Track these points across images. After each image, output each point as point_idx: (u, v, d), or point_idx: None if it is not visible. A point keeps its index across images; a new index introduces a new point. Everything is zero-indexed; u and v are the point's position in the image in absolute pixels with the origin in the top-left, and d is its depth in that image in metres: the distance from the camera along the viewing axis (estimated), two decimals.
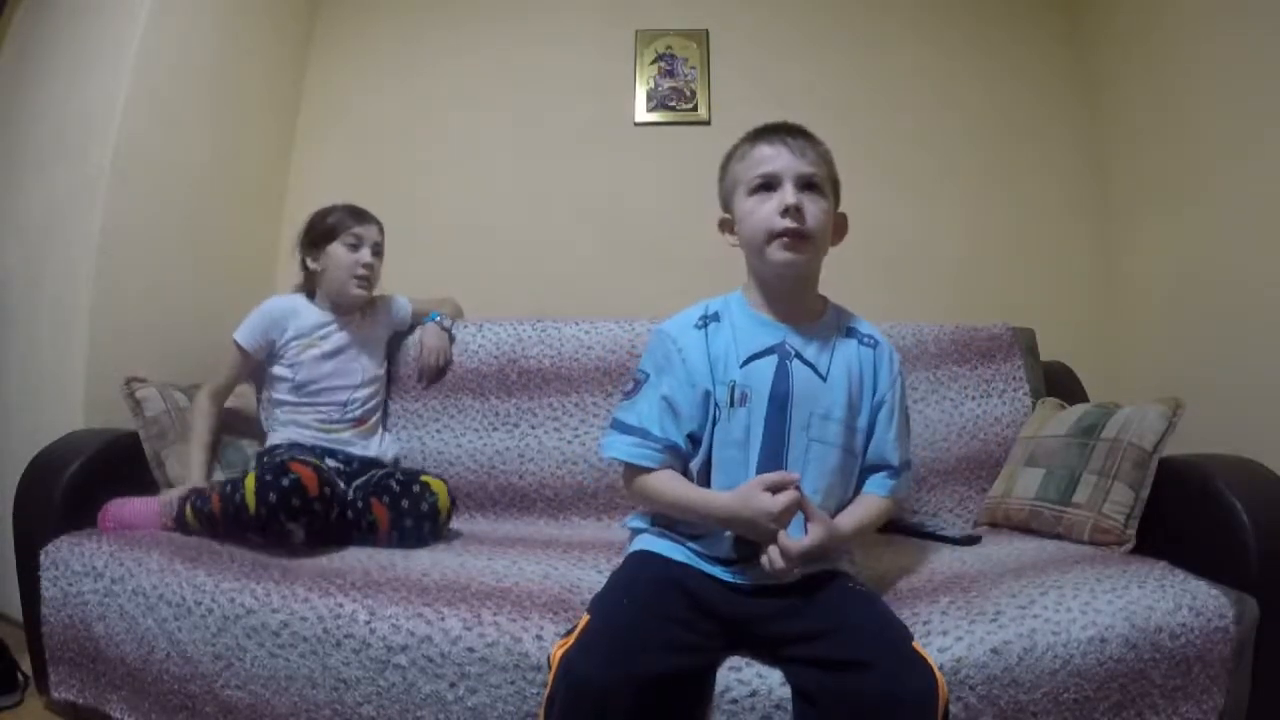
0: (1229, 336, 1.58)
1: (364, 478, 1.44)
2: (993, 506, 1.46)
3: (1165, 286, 1.82)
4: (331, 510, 1.21)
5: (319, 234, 1.55)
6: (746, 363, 1.00)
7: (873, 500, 1.03)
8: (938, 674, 0.78)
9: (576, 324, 1.73)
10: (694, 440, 1.01)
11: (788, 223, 0.97)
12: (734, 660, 0.87)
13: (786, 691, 0.84)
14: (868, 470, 1.04)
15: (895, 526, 1.47)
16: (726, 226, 1.08)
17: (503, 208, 2.14)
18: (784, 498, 0.89)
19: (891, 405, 1.04)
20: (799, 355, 1.01)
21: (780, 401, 0.98)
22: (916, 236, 2.07)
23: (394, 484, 1.35)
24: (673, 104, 2.15)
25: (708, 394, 1.00)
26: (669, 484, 0.99)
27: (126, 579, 1.13)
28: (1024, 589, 1.00)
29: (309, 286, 1.59)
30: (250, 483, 1.18)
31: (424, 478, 1.37)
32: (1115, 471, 1.24)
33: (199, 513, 1.26)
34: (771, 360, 1.00)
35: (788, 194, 0.98)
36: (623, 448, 1.01)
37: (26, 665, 1.29)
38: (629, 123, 2.16)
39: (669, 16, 2.20)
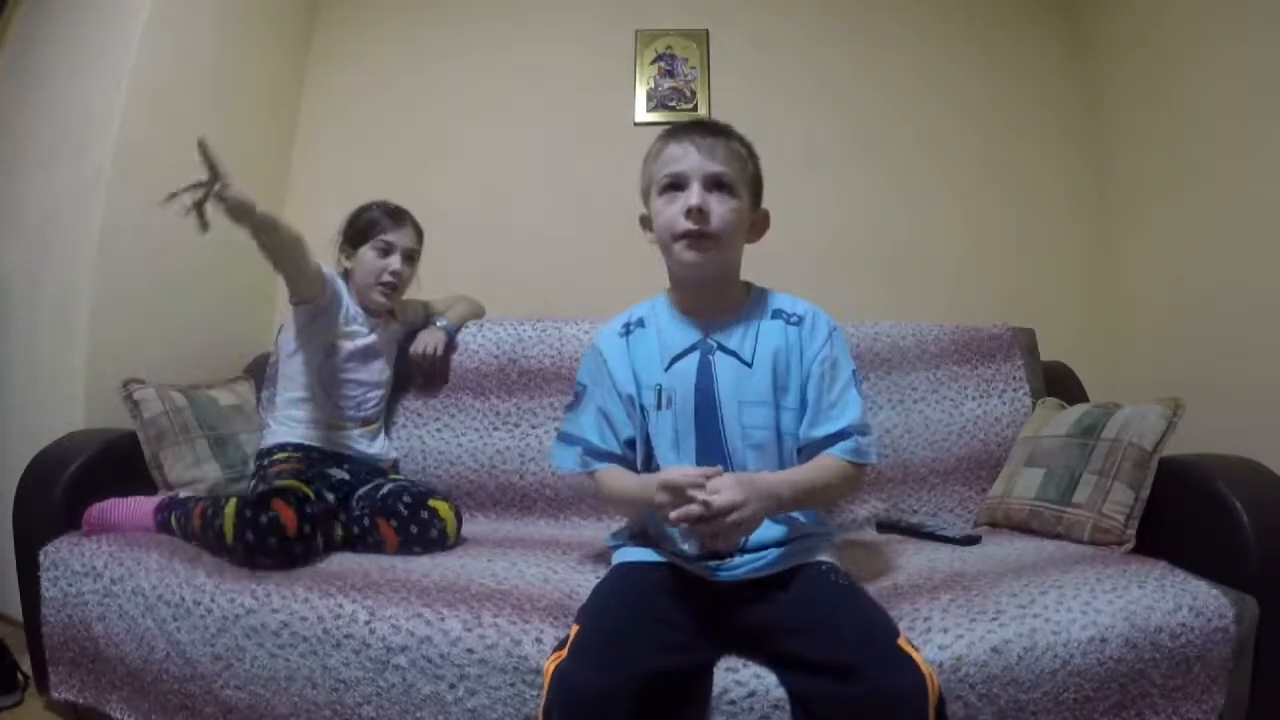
0: (1229, 336, 1.58)
1: (368, 487, 1.42)
2: (993, 506, 1.46)
3: (1165, 286, 1.82)
4: (314, 544, 1.19)
5: (354, 233, 1.53)
6: (670, 365, 1.03)
7: (822, 460, 0.99)
8: (925, 671, 0.77)
9: (577, 324, 1.73)
10: (634, 445, 1.06)
11: (690, 224, 0.97)
12: (731, 661, 0.87)
13: (784, 692, 0.84)
14: (822, 443, 1.01)
15: (895, 526, 1.47)
16: (646, 224, 1.08)
17: (503, 207, 2.14)
18: (664, 497, 0.87)
19: (823, 372, 1.02)
20: (721, 346, 1.02)
21: (706, 397, 1.00)
22: (916, 236, 2.07)
23: (402, 507, 1.31)
24: (673, 104, 2.15)
25: (632, 399, 1.04)
26: (613, 479, 1.04)
27: (126, 579, 1.13)
28: (1024, 589, 1.00)
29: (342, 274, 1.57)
30: (230, 511, 1.15)
31: (432, 502, 1.32)
32: (1115, 471, 1.24)
33: (181, 527, 1.26)
34: (693, 358, 1.02)
35: (692, 195, 0.97)
36: (569, 459, 1.08)
37: (26, 665, 1.29)
38: (629, 123, 2.16)
39: (669, 16, 2.20)
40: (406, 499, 1.32)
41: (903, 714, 0.75)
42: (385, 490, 1.37)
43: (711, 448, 0.99)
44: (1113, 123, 2.00)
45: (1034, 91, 2.12)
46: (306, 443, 1.46)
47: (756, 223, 1.06)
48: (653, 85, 2.17)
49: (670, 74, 2.17)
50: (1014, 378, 1.65)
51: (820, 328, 1.05)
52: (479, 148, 2.18)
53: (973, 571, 1.11)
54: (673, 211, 0.99)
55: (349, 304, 1.51)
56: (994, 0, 2.17)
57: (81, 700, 1.17)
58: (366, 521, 1.31)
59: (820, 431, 1.01)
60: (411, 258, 1.55)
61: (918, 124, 2.12)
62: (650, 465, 1.04)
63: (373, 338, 1.54)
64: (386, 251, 1.51)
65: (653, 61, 2.18)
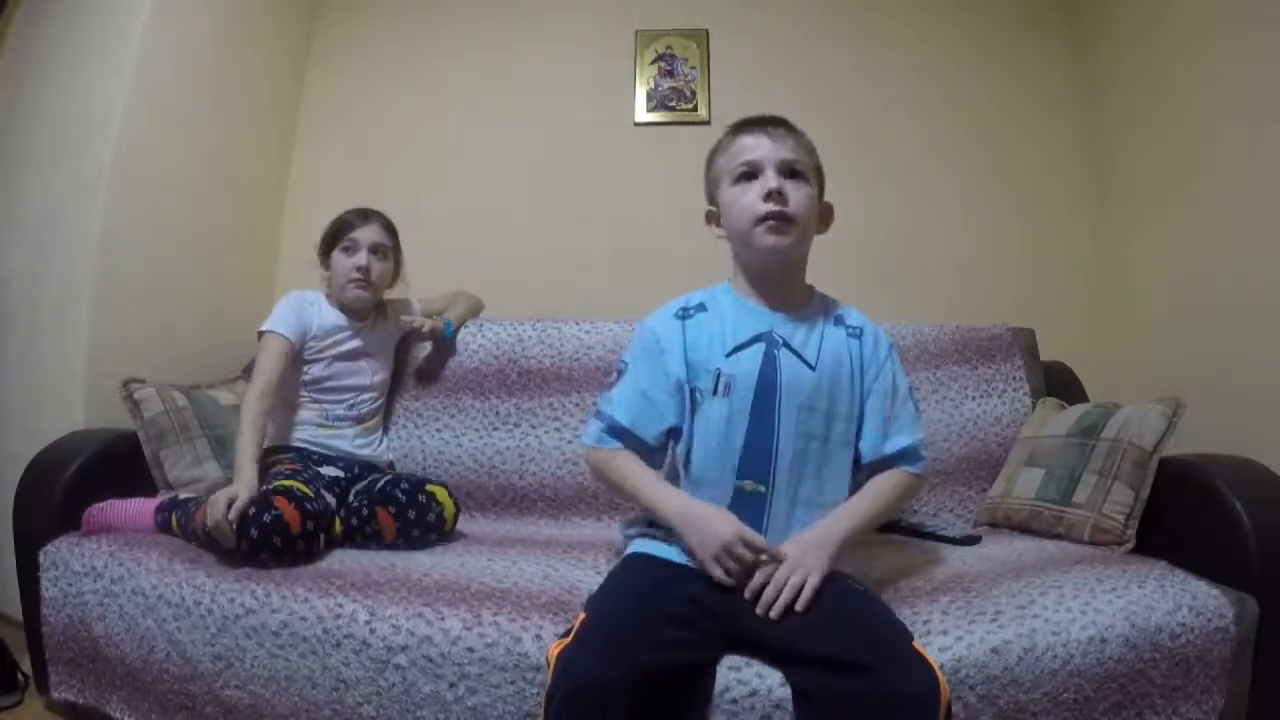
0: (1229, 336, 1.58)
1: (365, 482, 1.43)
2: (993, 506, 1.46)
3: (1165, 286, 1.82)
4: (316, 542, 1.19)
5: (325, 241, 1.56)
6: (733, 352, 1.01)
7: (882, 484, 1.02)
8: (939, 674, 0.77)
9: (576, 324, 1.73)
10: (675, 432, 1.04)
11: (771, 206, 0.99)
12: (734, 660, 0.87)
13: (786, 692, 0.84)
14: (880, 465, 1.03)
15: (895, 526, 1.47)
16: (713, 219, 1.10)
17: (503, 208, 2.14)
18: (740, 549, 0.89)
19: (883, 391, 1.04)
20: (786, 344, 1.01)
21: (767, 392, 0.99)
22: (917, 236, 2.07)
23: (399, 494, 1.32)
24: (673, 104, 2.15)
25: (681, 384, 1.02)
26: (627, 466, 1.02)
27: (126, 579, 1.13)
28: (1024, 589, 1.00)
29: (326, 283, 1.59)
30: None
31: (429, 487, 1.34)
32: (1115, 471, 1.24)
33: (183, 528, 1.26)
34: (759, 349, 1.01)
35: (770, 179, 1.00)
36: (591, 433, 1.05)
37: (26, 665, 1.29)
38: (629, 123, 2.17)
39: (669, 16, 2.20)
40: (404, 485, 1.34)
41: (911, 712, 0.74)
42: (383, 481, 1.39)
43: (761, 444, 0.98)
44: (1113, 123, 2.00)
45: (1034, 91, 2.12)
46: (301, 444, 1.47)
47: (823, 214, 1.08)
48: (653, 85, 2.17)
49: (670, 74, 2.17)
50: (1014, 378, 1.65)
51: (881, 344, 1.07)
52: (479, 148, 2.18)
53: (973, 572, 1.12)
54: (750, 198, 1.01)
55: (323, 319, 1.52)
56: (994, 0, 2.17)
57: (81, 700, 1.17)
58: (365, 511, 1.31)
59: (890, 448, 1.02)
60: (380, 252, 1.55)
61: (918, 124, 2.12)
62: (688, 459, 1.02)
63: (357, 341, 1.55)
64: (352, 249, 1.52)
65: (653, 61, 2.18)
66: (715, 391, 1.00)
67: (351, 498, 1.39)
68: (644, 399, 1.03)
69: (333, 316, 1.54)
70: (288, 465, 1.38)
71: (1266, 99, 1.48)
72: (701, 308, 1.07)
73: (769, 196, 0.99)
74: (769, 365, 1.00)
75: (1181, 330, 1.74)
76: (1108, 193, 2.03)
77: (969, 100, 2.13)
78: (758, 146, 1.02)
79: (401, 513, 1.30)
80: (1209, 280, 1.66)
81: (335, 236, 1.54)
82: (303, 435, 1.48)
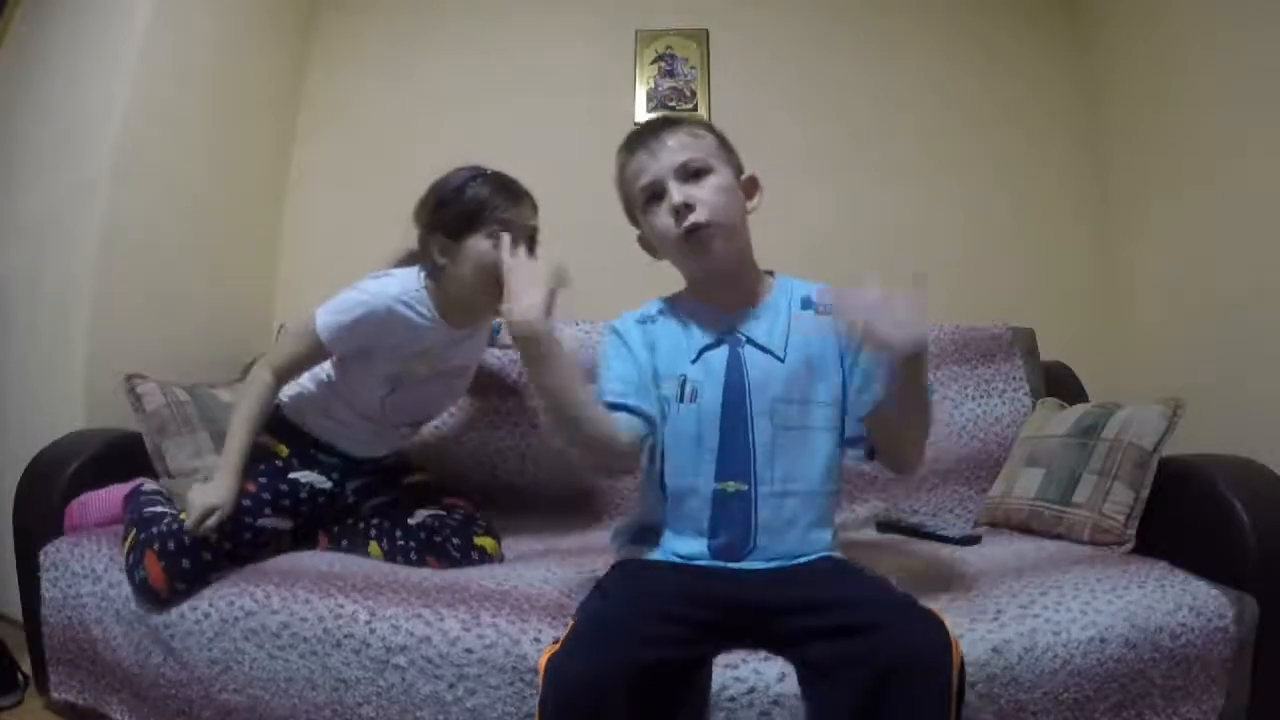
0: (1229, 336, 1.58)
1: (381, 500, 1.34)
2: (993, 506, 1.46)
3: (1165, 286, 1.81)
4: (193, 591, 1.08)
5: (456, 216, 1.19)
6: (698, 357, 0.98)
7: None
8: (951, 632, 0.75)
9: (576, 324, 1.73)
10: (647, 418, 0.96)
11: (684, 223, 0.95)
12: (730, 658, 0.87)
13: (783, 688, 0.83)
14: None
15: (895, 526, 1.47)
16: (646, 245, 1.06)
17: None
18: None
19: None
20: (750, 340, 0.98)
21: (736, 393, 0.95)
22: (916, 235, 2.07)
23: (452, 549, 1.21)
24: (673, 104, 2.15)
25: (653, 380, 0.98)
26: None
27: (124, 583, 1.13)
28: (1024, 589, 1.00)
29: (426, 267, 1.23)
30: (125, 548, 1.14)
31: (478, 541, 1.22)
32: (1115, 471, 1.24)
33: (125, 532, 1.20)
34: (723, 351, 0.98)
35: (673, 193, 0.95)
36: None
37: (26, 665, 1.29)
38: (629, 123, 2.16)
39: (669, 16, 2.20)
40: (455, 541, 1.22)
41: (924, 671, 0.72)
42: (422, 520, 1.27)
43: (736, 444, 0.94)
44: (1113, 122, 2.00)
45: (1034, 91, 2.12)
46: (312, 431, 1.32)
47: (747, 188, 1.02)
48: (653, 85, 2.17)
49: (670, 74, 2.17)
50: (1014, 378, 1.65)
51: None
52: (479, 148, 2.15)
53: (973, 572, 1.12)
54: (663, 219, 0.97)
55: (415, 320, 1.20)
56: (995, 0, 2.17)
57: (81, 701, 1.17)
58: (414, 555, 1.22)
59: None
60: (534, 242, 1.22)
61: (918, 123, 2.12)
62: (662, 471, 0.98)
63: (461, 356, 1.30)
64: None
65: (653, 61, 2.18)
66: (682, 399, 0.96)
67: (369, 514, 1.31)
68: (628, 377, 0.97)
69: (434, 331, 1.22)
70: (262, 467, 1.24)
71: (1266, 99, 1.48)
72: (663, 313, 1.04)
73: (677, 213, 0.95)
74: (734, 366, 0.97)
75: (1181, 330, 1.74)
76: (1108, 193, 2.03)
77: (969, 99, 2.13)
78: (644, 168, 0.98)
79: (454, 565, 1.20)
80: (1209, 280, 1.66)
81: (476, 215, 1.18)
82: (324, 426, 1.31)
